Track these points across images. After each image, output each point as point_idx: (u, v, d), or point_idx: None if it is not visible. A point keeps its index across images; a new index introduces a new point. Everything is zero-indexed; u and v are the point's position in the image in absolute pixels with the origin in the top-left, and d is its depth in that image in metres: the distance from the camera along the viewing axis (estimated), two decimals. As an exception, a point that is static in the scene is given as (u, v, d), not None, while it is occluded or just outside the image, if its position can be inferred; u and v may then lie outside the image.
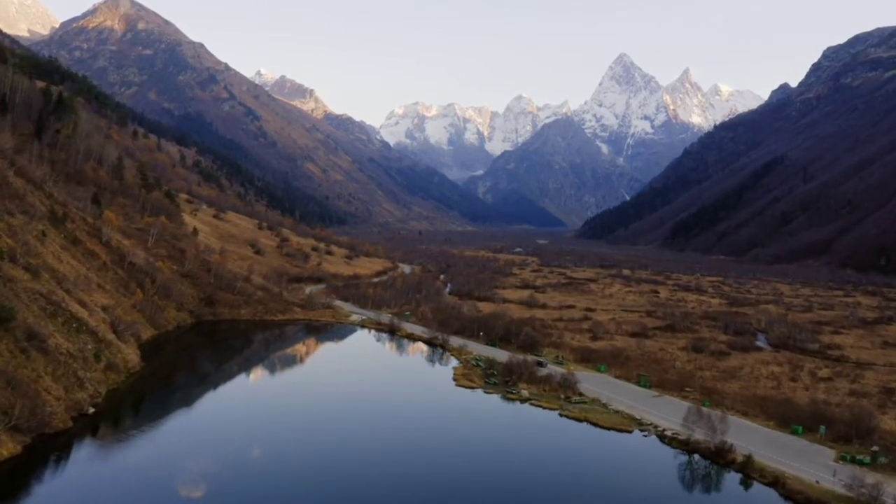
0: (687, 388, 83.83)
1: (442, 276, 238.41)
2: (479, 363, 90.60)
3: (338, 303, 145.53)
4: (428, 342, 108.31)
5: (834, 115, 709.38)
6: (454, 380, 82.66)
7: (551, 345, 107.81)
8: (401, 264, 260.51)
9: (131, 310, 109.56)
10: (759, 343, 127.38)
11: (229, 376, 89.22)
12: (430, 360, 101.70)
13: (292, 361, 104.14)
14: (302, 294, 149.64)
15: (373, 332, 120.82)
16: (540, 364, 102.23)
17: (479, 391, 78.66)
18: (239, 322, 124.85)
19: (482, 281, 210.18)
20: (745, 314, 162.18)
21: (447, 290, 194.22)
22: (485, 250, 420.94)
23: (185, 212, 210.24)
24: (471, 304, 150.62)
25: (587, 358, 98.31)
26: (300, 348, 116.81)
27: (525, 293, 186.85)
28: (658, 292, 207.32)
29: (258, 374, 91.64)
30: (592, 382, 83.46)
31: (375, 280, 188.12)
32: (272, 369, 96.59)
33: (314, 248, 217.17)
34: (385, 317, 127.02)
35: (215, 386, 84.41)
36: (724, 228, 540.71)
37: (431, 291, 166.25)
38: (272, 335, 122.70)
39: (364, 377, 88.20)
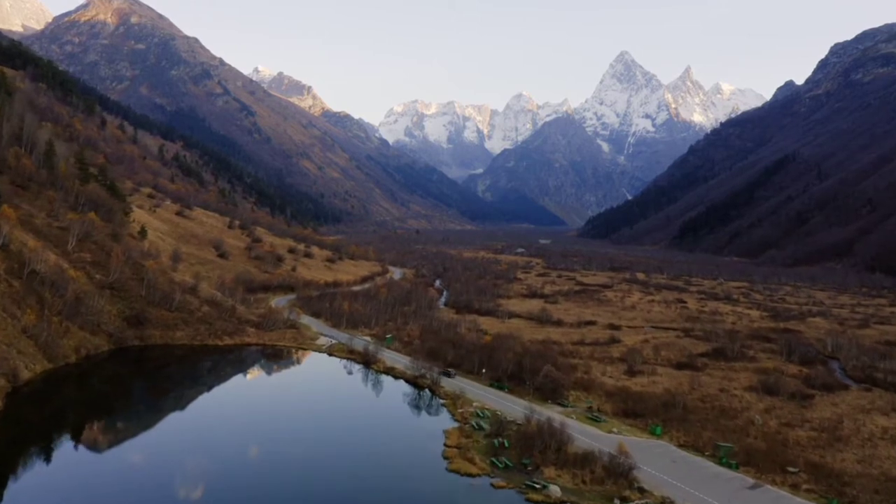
0: (790, 468, 56.57)
1: (437, 283, 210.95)
2: (482, 424, 62.90)
3: (305, 320, 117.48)
4: (413, 382, 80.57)
5: (846, 112, 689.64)
6: (445, 458, 54.80)
7: (578, 384, 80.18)
8: (391, 268, 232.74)
9: (18, 336, 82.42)
10: (836, 373, 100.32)
11: (102, 444, 61.60)
12: (415, 409, 74.02)
13: (209, 420, 71.57)
14: (265, 308, 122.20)
15: (343, 362, 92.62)
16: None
17: (484, 479, 51.00)
18: (173, 348, 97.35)
19: (483, 288, 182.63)
20: (799, 332, 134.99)
21: (442, 300, 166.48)
22: (485, 250, 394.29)
23: (143, 208, 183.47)
24: (470, 321, 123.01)
25: (631, 409, 70.58)
26: (230, 392, 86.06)
27: (534, 304, 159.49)
28: (685, 302, 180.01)
29: (148, 442, 63.02)
30: (650, 459, 56.03)
31: (357, 288, 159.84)
32: (176, 431, 66.69)
33: (291, 250, 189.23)
34: (360, 341, 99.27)
35: (80, 460, 57.07)
36: (735, 228, 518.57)
37: (422, 304, 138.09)
38: (207, 367, 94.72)
39: (308, 453, 58.81)
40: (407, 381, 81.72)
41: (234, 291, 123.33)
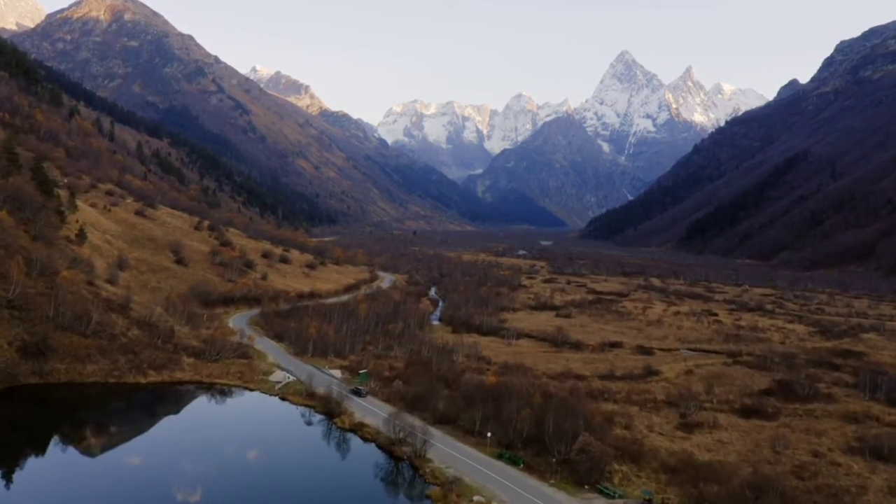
0: None
1: (432, 291, 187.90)
2: (489, 545, 40.01)
3: (262, 344, 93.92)
4: (388, 450, 57.11)
5: (856, 110, 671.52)
6: None
7: (621, 448, 56.45)
8: (382, 273, 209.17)
9: None
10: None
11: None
12: (390, 494, 51.00)
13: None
14: (218, 327, 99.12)
15: (299, 409, 69.14)
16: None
17: None
18: (84, 387, 74.11)
19: (484, 298, 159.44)
20: (863, 354, 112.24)
21: (436, 314, 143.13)
22: (485, 253, 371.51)
23: (95, 206, 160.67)
24: (469, 345, 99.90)
25: (709, 500, 47.43)
26: (123, 457, 59.26)
27: (543, 318, 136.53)
28: (716, 314, 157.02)
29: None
30: None
31: (333, 300, 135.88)
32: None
33: (265, 255, 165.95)
34: (325, 378, 75.94)
35: None
36: (745, 229, 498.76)
37: (412, 321, 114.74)
38: (94, 418, 70.06)
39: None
40: (380, 445, 57.91)
41: (179, 307, 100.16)
